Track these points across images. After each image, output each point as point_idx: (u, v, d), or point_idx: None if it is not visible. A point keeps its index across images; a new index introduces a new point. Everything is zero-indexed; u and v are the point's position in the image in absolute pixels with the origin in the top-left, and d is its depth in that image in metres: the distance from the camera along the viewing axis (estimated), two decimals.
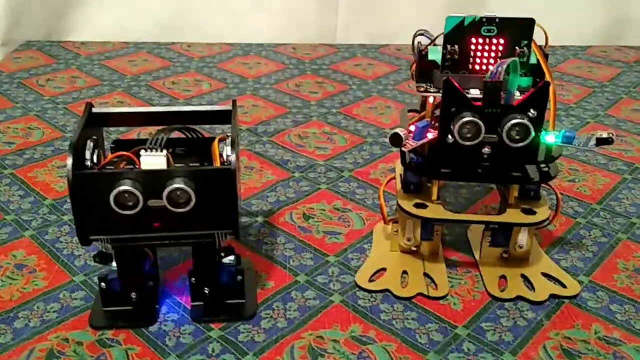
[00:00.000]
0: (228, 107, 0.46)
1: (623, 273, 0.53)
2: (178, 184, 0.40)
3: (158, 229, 0.42)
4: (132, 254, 0.44)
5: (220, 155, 0.43)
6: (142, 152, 0.41)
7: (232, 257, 0.48)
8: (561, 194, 0.64)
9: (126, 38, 1.13)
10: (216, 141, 0.44)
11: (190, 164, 0.43)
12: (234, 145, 0.42)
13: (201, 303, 0.48)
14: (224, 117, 0.46)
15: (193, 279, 0.47)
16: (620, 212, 0.62)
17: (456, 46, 0.47)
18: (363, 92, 0.92)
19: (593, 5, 1.16)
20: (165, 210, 0.41)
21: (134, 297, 0.46)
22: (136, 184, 0.40)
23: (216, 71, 1.00)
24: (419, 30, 0.52)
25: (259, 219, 0.61)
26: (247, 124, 0.81)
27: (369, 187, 0.66)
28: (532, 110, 0.44)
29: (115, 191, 0.39)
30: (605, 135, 0.44)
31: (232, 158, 0.41)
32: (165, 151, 0.41)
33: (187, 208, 0.41)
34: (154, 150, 0.41)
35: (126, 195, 0.40)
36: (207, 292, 0.47)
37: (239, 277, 0.48)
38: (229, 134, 0.44)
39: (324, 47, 1.12)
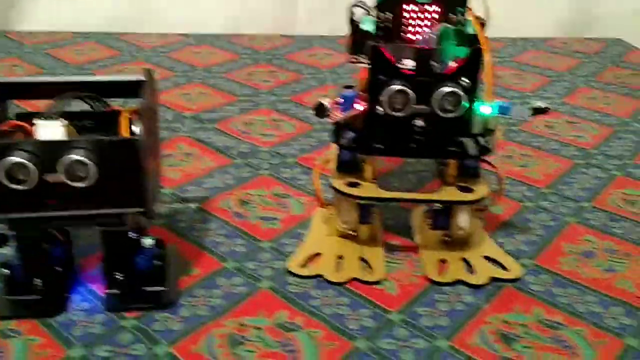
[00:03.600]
0: (141, 77, 0.42)
1: (570, 256, 0.51)
2: (76, 155, 0.36)
3: (55, 206, 0.38)
4: (33, 235, 0.41)
5: (131, 129, 0.40)
6: (37, 120, 0.37)
7: (151, 242, 0.44)
8: (511, 179, 0.62)
9: (77, 28, 1.09)
10: (125, 113, 0.40)
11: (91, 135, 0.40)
12: (142, 117, 0.38)
13: (117, 291, 0.44)
14: (138, 88, 0.43)
15: (105, 265, 0.43)
16: (569, 196, 0.60)
17: (389, 14, 0.45)
18: (317, 81, 0.90)
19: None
20: (64, 185, 0.37)
21: (39, 284, 0.42)
22: (30, 156, 0.36)
23: (166, 60, 0.96)
24: (355, 2, 0.50)
25: (192, 205, 0.57)
26: (191, 111, 0.78)
27: (312, 173, 0.63)
28: (464, 79, 0.41)
29: (4, 163, 0.36)
30: (541, 104, 0.41)
31: (139, 129, 0.38)
32: (63, 120, 0.38)
33: (88, 183, 0.37)
34: (50, 119, 0.37)
35: (17, 168, 0.36)
36: (120, 278, 0.43)
37: (158, 262, 0.44)
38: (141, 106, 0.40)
39: (282, 38, 1.09)
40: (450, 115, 0.42)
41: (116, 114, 0.42)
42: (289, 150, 0.68)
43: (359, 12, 0.49)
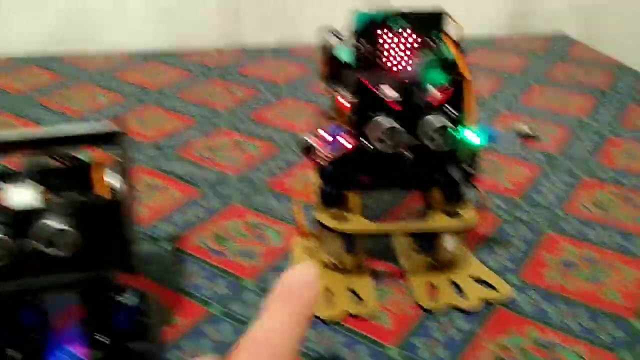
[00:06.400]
0: (114, 127, 0.40)
1: (552, 269, 0.51)
2: (56, 223, 0.34)
3: (34, 276, 0.35)
4: (4, 306, 0.37)
5: (106, 184, 0.37)
6: (6, 185, 0.34)
7: (134, 298, 0.42)
8: (483, 190, 0.62)
9: (12, 52, 1.03)
10: (103, 167, 0.37)
11: (69, 197, 0.37)
12: (124, 173, 0.36)
13: (99, 353, 0.41)
14: (109, 138, 0.40)
15: (85, 326, 0.40)
16: (543, 204, 0.61)
17: (366, 42, 0.44)
18: (274, 96, 0.88)
19: None
20: (43, 254, 0.34)
21: (13, 355, 0.39)
22: (3, 227, 0.33)
23: (114, 83, 0.92)
24: (325, 27, 0.49)
25: (165, 244, 0.55)
26: (149, 138, 0.74)
27: (285, 198, 0.62)
28: (452, 109, 0.41)
29: None
30: (529, 131, 0.41)
31: (122, 187, 0.36)
32: (37, 184, 0.35)
33: (69, 250, 0.34)
34: (22, 182, 0.34)
35: None
36: (103, 340, 0.41)
37: (142, 318, 0.42)
38: (117, 159, 0.38)
39: (231, 51, 1.07)
40: (439, 147, 0.41)
41: (84, 167, 0.39)
42: (257, 175, 0.66)
43: (331, 39, 0.48)
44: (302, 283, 0.26)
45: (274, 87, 0.91)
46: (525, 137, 0.41)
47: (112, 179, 0.38)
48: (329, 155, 0.41)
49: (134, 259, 0.37)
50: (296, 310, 0.25)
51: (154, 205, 0.61)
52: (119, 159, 0.36)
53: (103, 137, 0.37)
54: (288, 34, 1.12)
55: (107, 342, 0.40)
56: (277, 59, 1.03)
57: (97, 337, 0.41)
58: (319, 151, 0.40)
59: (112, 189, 0.37)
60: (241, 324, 0.45)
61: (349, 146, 0.42)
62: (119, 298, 0.40)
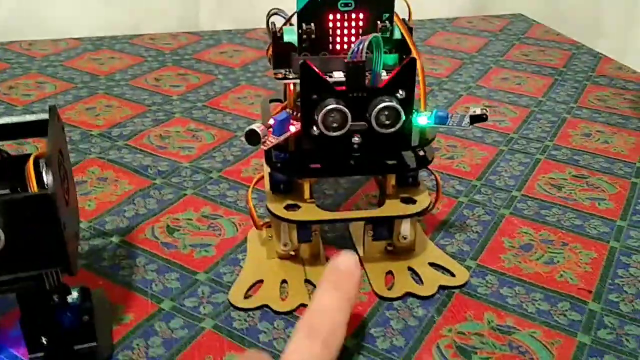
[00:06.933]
0: (44, 116, 0.37)
1: (510, 252, 0.51)
2: None
3: None
4: None
5: (40, 177, 0.35)
6: None
7: (75, 296, 0.40)
8: (441, 173, 0.62)
9: None
10: (31, 160, 0.35)
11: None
12: (50, 164, 0.33)
13: (42, 355, 0.39)
14: (40, 129, 0.38)
15: (25, 327, 0.38)
16: (500, 187, 0.60)
17: (312, 24, 0.42)
18: (230, 82, 0.86)
19: None
20: None
21: None
22: None
23: (62, 70, 0.88)
24: (273, 10, 0.47)
25: (114, 239, 0.52)
26: (99, 127, 0.72)
27: (241, 187, 0.60)
28: (400, 91, 0.40)
29: None
30: (478, 112, 0.40)
31: (50, 180, 0.33)
32: None
33: None
34: None
35: None
36: (44, 341, 0.39)
37: (86, 317, 0.40)
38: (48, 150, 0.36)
39: (186, 36, 1.04)
40: (388, 130, 0.40)
41: (19, 160, 0.37)
42: (212, 164, 0.64)
43: (279, 22, 0.46)
44: (345, 271, 0.31)
45: (230, 73, 0.89)
46: (476, 118, 0.40)
47: (46, 173, 0.36)
48: (272, 141, 0.39)
49: (70, 256, 0.35)
50: (342, 294, 0.30)
51: (104, 197, 0.58)
52: (48, 150, 0.34)
53: (30, 128, 0.34)
54: (244, 17, 1.09)
55: (46, 342, 0.38)
56: (233, 43, 1.01)
57: (37, 338, 0.39)
58: (264, 137, 0.38)
59: (45, 183, 0.35)
60: (193, 319, 0.44)
61: (293, 130, 0.40)
62: (59, 297, 0.38)
